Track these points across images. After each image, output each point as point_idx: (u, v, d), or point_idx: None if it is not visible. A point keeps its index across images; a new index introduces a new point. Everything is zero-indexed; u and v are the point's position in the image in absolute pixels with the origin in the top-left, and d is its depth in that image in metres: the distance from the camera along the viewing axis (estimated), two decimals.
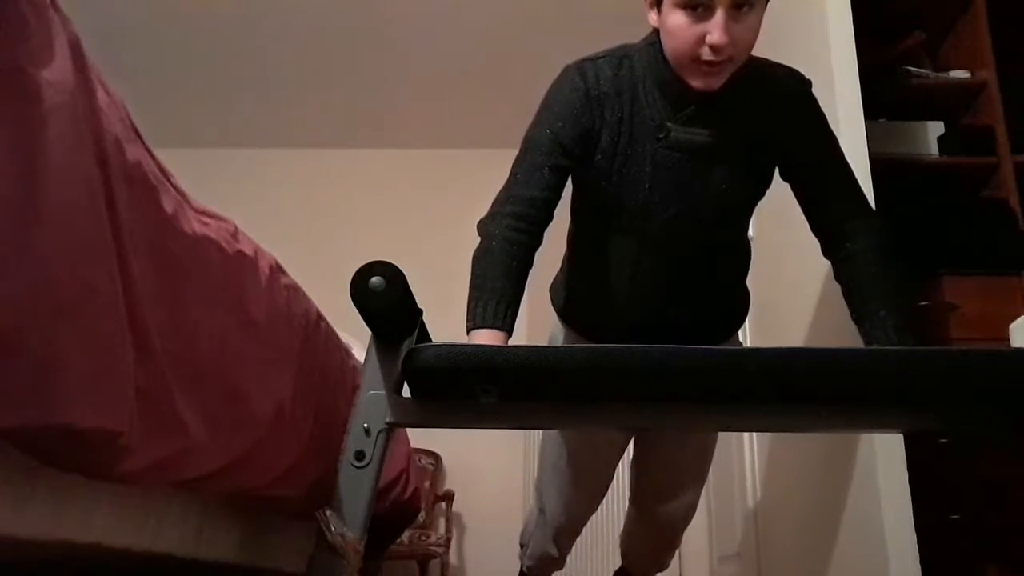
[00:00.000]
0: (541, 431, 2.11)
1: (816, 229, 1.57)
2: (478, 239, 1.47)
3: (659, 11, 1.40)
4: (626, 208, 1.53)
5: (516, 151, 1.53)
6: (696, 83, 1.40)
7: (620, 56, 1.50)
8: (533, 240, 1.46)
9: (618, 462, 1.94)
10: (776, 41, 2.46)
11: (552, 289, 1.83)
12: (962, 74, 2.57)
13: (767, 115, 1.51)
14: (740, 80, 1.44)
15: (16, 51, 0.74)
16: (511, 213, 1.45)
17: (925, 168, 2.48)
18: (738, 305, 1.78)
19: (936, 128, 2.52)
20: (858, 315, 1.46)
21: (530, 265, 1.46)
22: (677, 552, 2.18)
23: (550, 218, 1.48)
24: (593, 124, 1.48)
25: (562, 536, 1.99)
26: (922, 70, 2.57)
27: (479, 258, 1.45)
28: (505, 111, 4.61)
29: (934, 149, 2.50)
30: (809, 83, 1.55)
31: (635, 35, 1.52)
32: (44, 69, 0.76)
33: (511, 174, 1.50)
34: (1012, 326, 1.61)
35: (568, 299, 1.77)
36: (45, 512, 0.92)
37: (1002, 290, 2.15)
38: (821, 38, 2.20)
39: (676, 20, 1.35)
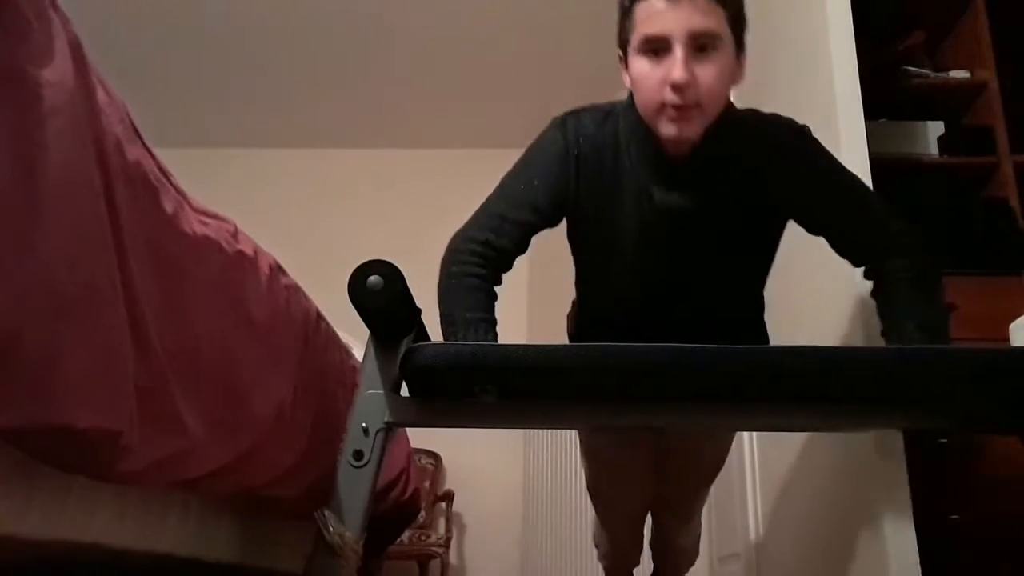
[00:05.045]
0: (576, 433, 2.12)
1: (855, 264, 1.50)
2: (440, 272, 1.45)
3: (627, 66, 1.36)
4: (618, 267, 1.50)
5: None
6: (666, 131, 1.31)
7: (606, 112, 1.45)
8: (494, 275, 1.45)
9: (650, 459, 1.89)
10: (777, 42, 2.47)
11: (568, 319, 1.82)
12: (962, 74, 2.56)
13: (761, 173, 1.41)
14: (724, 138, 1.37)
15: (16, 51, 0.74)
16: (471, 251, 1.43)
17: (925, 168, 2.47)
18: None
19: (936, 128, 2.52)
20: (886, 329, 1.41)
21: (495, 297, 1.45)
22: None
23: (510, 267, 1.47)
24: (567, 183, 1.44)
25: (622, 533, 2.01)
26: (922, 70, 2.57)
27: (442, 296, 1.44)
28: (506, 112, 4.63)
29: (934, 149, 2.50)
30: (804, 129, 1.45)
31: None
32: (44, 69, 0.76)
33: (476, 214, 1.47)
34: (1012, 326, 1.61)
35: (579, 335, 1.75)
36: (45, 512, 0.92)
37: (1002, 290, 2.14)
38: (821, 38, 2.20)
39: (639, 67, 1.31)
